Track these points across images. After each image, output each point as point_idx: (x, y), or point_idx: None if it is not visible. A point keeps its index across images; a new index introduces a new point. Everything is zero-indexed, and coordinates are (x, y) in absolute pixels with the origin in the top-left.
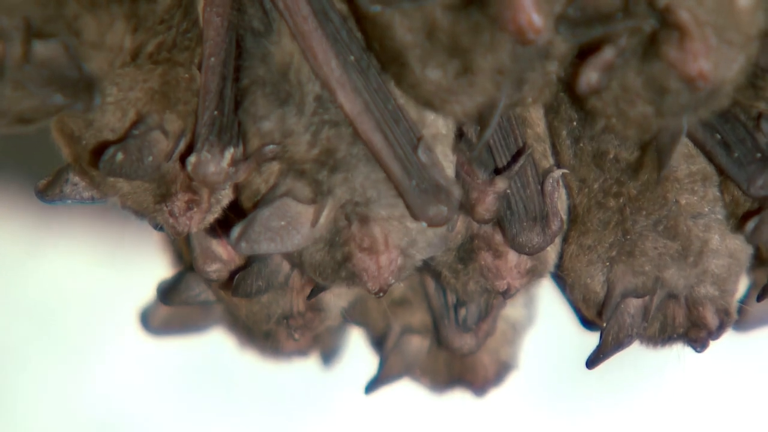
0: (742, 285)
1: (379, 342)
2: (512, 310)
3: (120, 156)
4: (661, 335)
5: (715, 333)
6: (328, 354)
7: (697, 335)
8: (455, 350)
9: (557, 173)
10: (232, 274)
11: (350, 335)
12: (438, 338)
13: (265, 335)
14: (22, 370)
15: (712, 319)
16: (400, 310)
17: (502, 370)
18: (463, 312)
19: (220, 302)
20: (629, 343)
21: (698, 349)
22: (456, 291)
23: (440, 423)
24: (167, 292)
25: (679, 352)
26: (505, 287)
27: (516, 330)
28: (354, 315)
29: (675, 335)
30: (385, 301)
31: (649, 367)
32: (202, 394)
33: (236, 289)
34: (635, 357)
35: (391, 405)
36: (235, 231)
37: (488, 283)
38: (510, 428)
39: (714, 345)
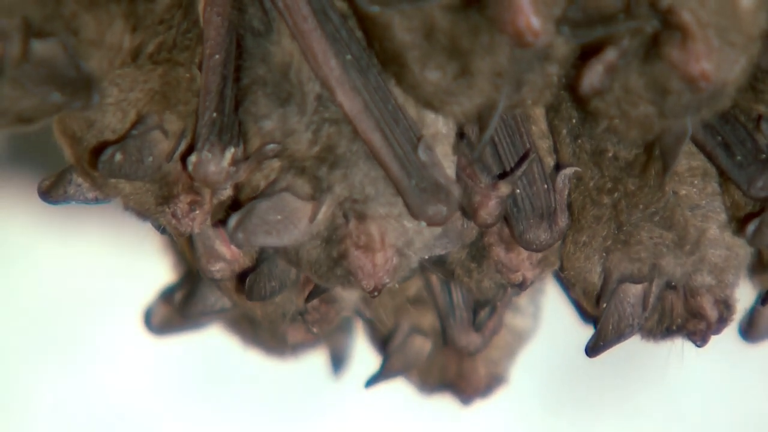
0: (749, 295)
1: (384, 340)
2: (521, 320)
3: (119, 156)
4: (660, 327)
5: (716, 326)
6: (338, 359)
7: (696, 327)
8: (461, 349)
9: (570, 170)
10: (242, 277)
11: (357, 339)
12: (444, 337)
13: (281, 335)
14: (25, 371)
15: (710, 310)
16: (413, 310)
17: (493, 384)
18: (482, 314)
19: (236, 307)
20: (630, 333)
21: (698, 342)
22: (470, 289)
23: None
24: (184, 306)
25: (682, 363)
26: (520, 279)
27: (520, 341)
28: (365, 310)
29: (674, 327)
30: (399, 297)
31: (648, 378)
32: (205, 393)
33: (250, 293)
34: (635, 367)
35: (390, 407)
36: (232, 221)
37: (503, 277)
38: None
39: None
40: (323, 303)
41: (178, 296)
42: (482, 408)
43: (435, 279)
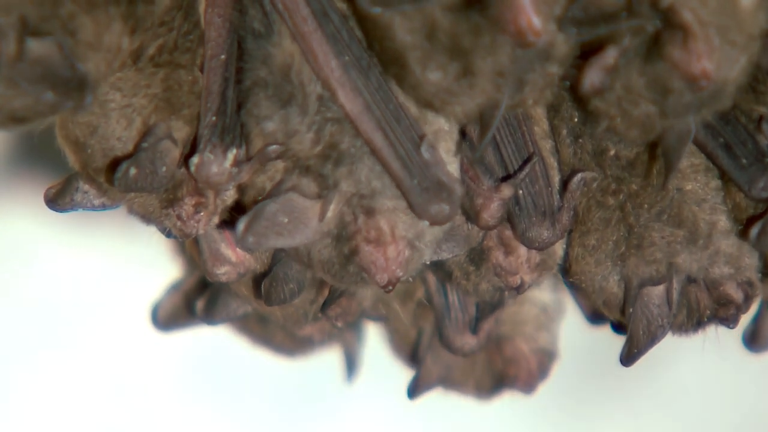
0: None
1: (412, 355)
2: (539, 293)
3: (133, 170)
4: (690, 321)
5: (744, 306)
6: (351, 364)
7: (727, 313)
8: (456, 350)
9: (588, 174)
10: (258, 283)
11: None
12: (439, 337)
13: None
14: (31, 372)
15: (736, 293)
16: (427, 312)
17: (544, 360)
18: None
19: (257, 311)
20: (663, 334)
21: (731, 325)
22: (467, 292)
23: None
24: (207, 313)
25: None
26: (519, 282)
27: (548, 314)
28: (379, 313)
29: (704, 319)
30: (410, 303)
31: (649, 379)
32: (213, 393)
33: (268, 298)
34: (635, 367)
35: (399, 410)
36: (241, 224)
37: (501, 280)
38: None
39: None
40: (344, 297)
41: (200, 305)
42: (490, 411)
43: (431, 279)
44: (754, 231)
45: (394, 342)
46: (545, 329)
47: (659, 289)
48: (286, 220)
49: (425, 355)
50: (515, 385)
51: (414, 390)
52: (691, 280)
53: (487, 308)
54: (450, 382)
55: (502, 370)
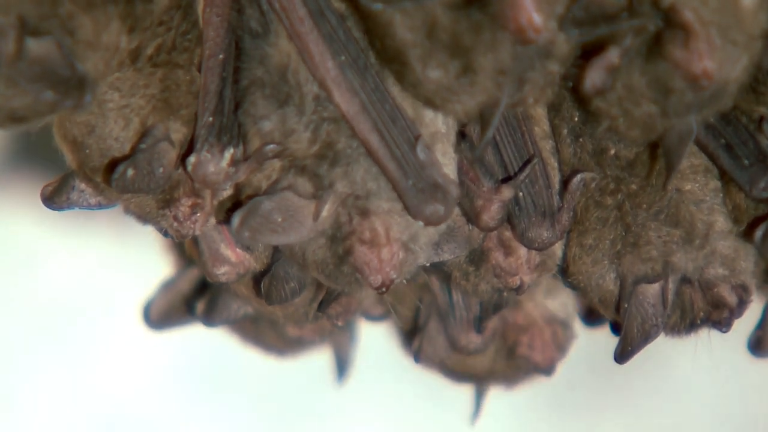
0: (757, 309)
1: (413, 325)
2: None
3: (131, 172)
4: (683, 322)
5: (737, 310)
6: (342, 365)
7: (720, 316)
8: (461, 349)
9: (588, 174)
10: (258, 282)
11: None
12: (445, 336)
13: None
14: (26, 370)
15: (729, 297)
16: (428, 294)
17: (558, 330)
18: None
19: (258, 311)
20: (656, 333)
21: (723, 329)
22: (467, 292)
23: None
24: (207, 315)
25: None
26: (518, 283)
27: (557, 281)
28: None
29: (698, 321)
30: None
31: (649, 380)
32: (205, 393)
33: (268, 296)
34: (634, 368)
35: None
36: (236, 219)
37: (500, 281)
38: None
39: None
40: (344, 295)
41: (201, 307)
42: (484, 410)
43: (434, 279)
44: (758, 233)
45: (398, 321)
46: (552, 295)
47: (654, 288)
48: (280, 218)
49: (427, 321)
50: (532, 360)
51: (418, 354)
52: (686, 280)
53: (491, 308)
54: (459, 361)
55: (515, 340)
